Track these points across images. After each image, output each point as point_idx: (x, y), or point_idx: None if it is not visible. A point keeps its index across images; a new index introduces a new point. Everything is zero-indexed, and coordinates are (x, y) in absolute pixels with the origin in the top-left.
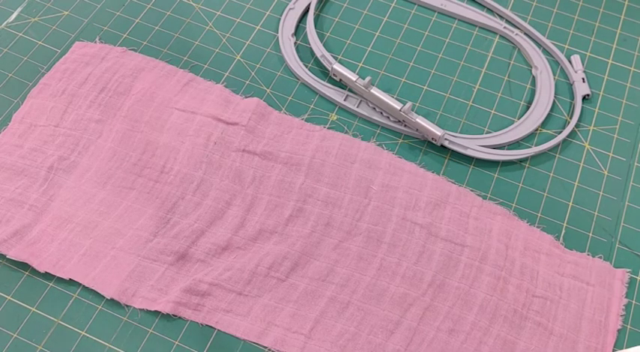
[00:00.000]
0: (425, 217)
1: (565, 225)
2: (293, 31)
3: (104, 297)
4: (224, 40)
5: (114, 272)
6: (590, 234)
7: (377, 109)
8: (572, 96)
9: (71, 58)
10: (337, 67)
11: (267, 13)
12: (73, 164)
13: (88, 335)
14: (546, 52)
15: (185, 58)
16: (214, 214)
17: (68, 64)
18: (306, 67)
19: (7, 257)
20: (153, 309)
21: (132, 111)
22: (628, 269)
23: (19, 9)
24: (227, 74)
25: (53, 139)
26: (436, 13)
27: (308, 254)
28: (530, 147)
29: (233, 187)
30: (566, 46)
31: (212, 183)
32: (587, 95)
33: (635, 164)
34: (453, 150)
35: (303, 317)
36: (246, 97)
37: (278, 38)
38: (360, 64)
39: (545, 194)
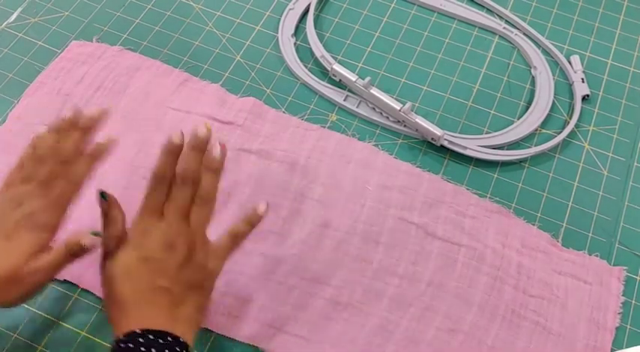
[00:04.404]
0: (421, 217)
1: (565, 225)
2: (293, 31)
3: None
4: (224, 40)
5: None
6: (590, 234)
7: (377, 109)
8: (572, 97)
9: (67, 57)
10: (337, 67)
11: (267, 13)
12: None
13: (88, 335)
14: (546, 52)
15: (185, 59)
16: None
17: (64, 63)
18: (306, 67)
19: None
20: None
21: (127, 110)
22: (624, 267)
23: (20, 9)
24: (227, 74)
25: None
26: (436, 14)
27: (306, 256)
28: (529, 147)
29: (229, 186)
30: (566, 47)
31: None
32: (587, 95)
33: (635, 164)
34: (452, 151)
35: (301, 319)
36: (241, 97)
37: (278, 38)
38: (360, 65)
39: (545, 194)
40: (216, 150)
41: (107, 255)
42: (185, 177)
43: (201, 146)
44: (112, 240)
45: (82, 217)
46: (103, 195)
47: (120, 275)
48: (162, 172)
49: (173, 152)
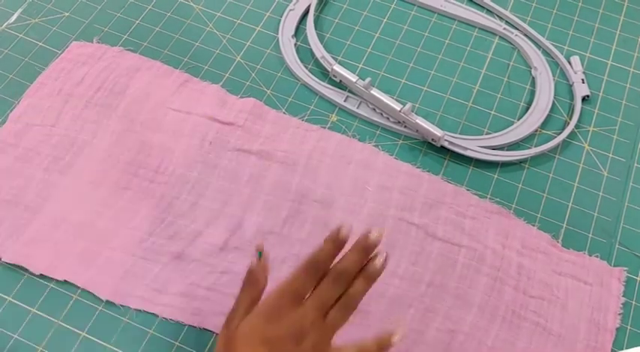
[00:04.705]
0: (421, 218)
1: (565, 225)
2: (293, 32)
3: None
4: (224, 41)
5: (109, 272)
6: (590, 235)
7: (377, 110)
8: (572, 97)
9: (67, 58)
10: (337, 68)
11: (268, 14)
12: (69, 164)
13: (88, 336)
14: (546, 53)
15: (185, 59)
16: (211, 214)
17: (65, 64)
18: (307, 68)
19: (2, 260)
20: (150, 311)
21: (127, 111)
22: (625, 268)
23: (20, 10)
24: (227, 75)
25: (49, 139)
26: (436, 14)
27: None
28: (529, 148)
29: (229, 187)
30: (566, 47)
31: (208, 183)
32: (587, 96)
33: (635, 165)
34: (452, 151)
35: None
36: (241, 98)
37: (278, 39)
38: (360, 65)
39: (545, 195)
40: (380, 260)
41: (235, 314)
42: (341, 276)
43: (368, 250)
44: (247, 301)
45: None
46: (260, 254)
47: (239, 345)
48: (322, 261)
49: (338, 245)
